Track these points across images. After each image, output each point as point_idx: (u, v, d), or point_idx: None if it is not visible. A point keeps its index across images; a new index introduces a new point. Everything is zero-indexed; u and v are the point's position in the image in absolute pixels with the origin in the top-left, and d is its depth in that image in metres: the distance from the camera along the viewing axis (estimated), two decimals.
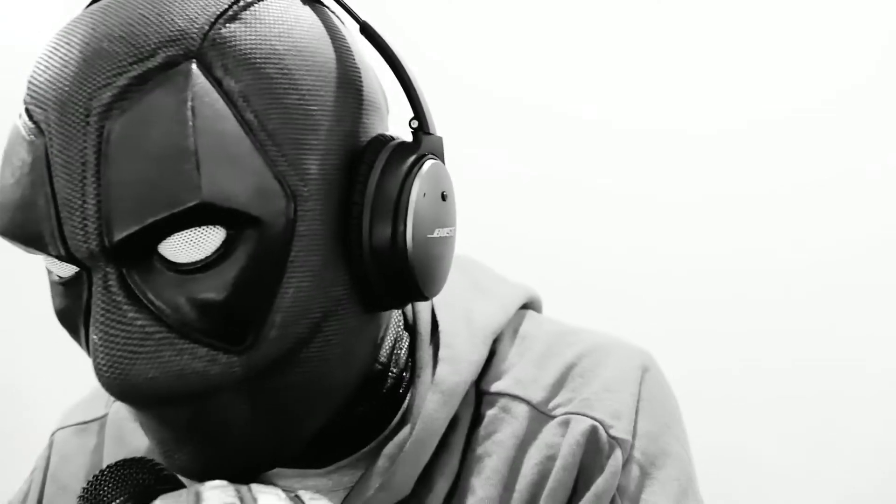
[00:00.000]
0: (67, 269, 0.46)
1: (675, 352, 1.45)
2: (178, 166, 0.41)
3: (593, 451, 0.57)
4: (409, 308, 0.61)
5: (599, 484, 0.56)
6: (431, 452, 0.56)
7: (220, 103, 0.43)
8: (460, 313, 0.60)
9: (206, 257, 0.43)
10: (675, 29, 1.53)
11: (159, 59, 0.42)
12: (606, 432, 0.57)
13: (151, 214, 0.41)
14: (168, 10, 0.44)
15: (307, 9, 0.49)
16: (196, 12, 0.44)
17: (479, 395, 0.60)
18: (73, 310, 0.47)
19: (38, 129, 0.43)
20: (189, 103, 0.42)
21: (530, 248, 1.56)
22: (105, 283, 0.43)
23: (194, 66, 0.43)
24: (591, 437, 0.57)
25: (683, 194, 1.53)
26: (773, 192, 1.49)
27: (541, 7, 1.59)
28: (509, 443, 0.58)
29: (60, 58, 0.43)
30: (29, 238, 0.44)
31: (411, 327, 0.60)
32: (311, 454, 0.57)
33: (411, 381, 0.58)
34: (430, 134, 0.51)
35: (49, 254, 0.44)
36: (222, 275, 0.43)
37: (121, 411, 0.65)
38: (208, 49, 0.43)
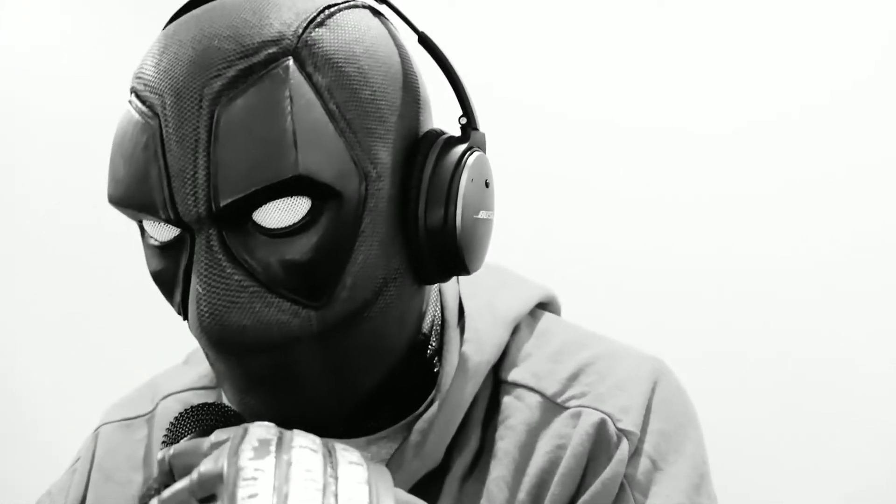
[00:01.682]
0: (168, 234, 0.54)
1: (677, 348, 1.45)
2: (279, 145, 0.49)
3: (602, 443, 0.60)
4: (440, 298, 0.67)
5: (606, 472, 0.60)
6: (458, 425, 0.62)
7: (311, 95, 0.51)
8: (484, 303, 0.66)
9: (294, 224, 0.51)
10: (679, 29, 1.54)
11: (262, 56, 0.50)
12: (615, 425, 0.61)
13: (254, 184, 0.49)
14: (267, 16, 0.52)
15: (375, 20, 0.58)
16: (291, 18, 0.52)
17: (496, 383, 0.65)
18: (170, 269, 0.54)
19: (153, 112, 0.51)
20: (288, 94, 0.50)
21: (535, 244, 1.56)
22: (208, 243, 0.51)
23: (291, 63, 0.51)
24: (601, 428, 0.61)
25: (689, 193, 1.53)
26: (779, 190, 1.49)
27: (547, 10, 1.59)
28: (521, 428, 0.62)
29: (174, 53, 0.51)
30: (142, 205, 0.51)
31: (441, 315, 0.66)
32: (355, 423, 0.62)
33: (440, 362, 0.64)
34: (476, 130, 0.60)
35: (159, 218, 0.51)
36: (306, 239, 0.51)
37: (170, 408, 0.71)
38: (301, 49, 0.52)
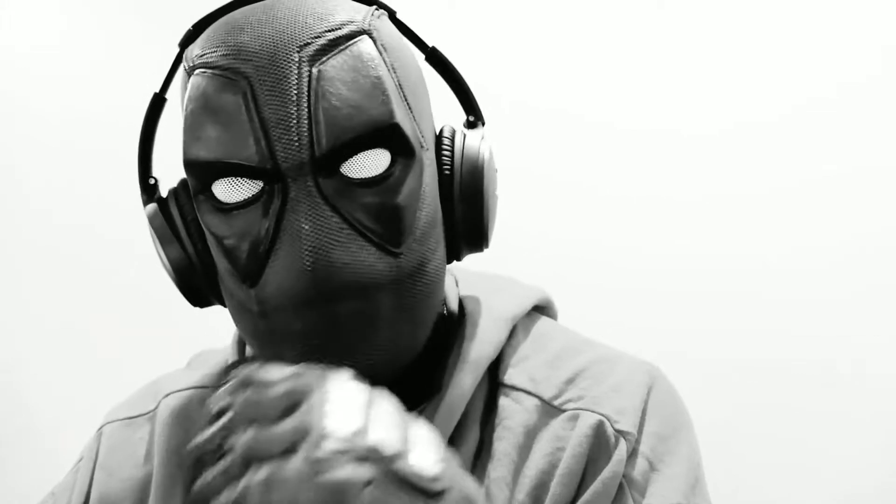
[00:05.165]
0: (245, 192, 0.57)
1: (676, 349, 1.45)
2: (377, 97, 0.56)
3: (601, 443, 0.62)
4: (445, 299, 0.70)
5: (605, 472, 0.61)
6: (459, 416, 0.64)
7: (385, 67, 0.58)
8: (483, 303, 0.69)
9: (378, 174, 0.57)
10: (677, 31, 1.54)
11: (345, 31, 0.57)
12: (612, 426, 0.63)
13: (356, 130, 0.55)
14: (333, 7, 0.59)
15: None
16: (355, 10, 0.60)
17: (494, 385, 0.67)
18: (252, 226, 0.57)
19: (237, 72, 0.55)
20: (374, 59, 0.57)
21: (531, 244, 1.56)
22: (307, 189, 0.55)
23: (368, 38, 0.58)
24: (599, 430, 0.62)
25: (689, 194, 1.53)
26: (775, 191, 1.49)
27: (546, 12, 1.59)
28: (519, 430, 0.64)
29: (254, 30, 0.56)
30: (237, 156, 0.55)
31: (447, 317, 0.69)
32: None
33: (442, 357, 0.67)
34: (484, 125, 0.68)
35: (254, 167, 0.55)
36: (389, 189, 0.57)
37: (171, 406, 0.73)
38: (373, 31, 0.59)
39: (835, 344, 1.47)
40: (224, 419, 0.47)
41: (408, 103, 0.60)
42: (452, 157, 0.63)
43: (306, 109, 0.55)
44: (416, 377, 0.65)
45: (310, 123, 0.55)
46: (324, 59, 0.56)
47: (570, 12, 1.58)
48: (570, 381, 0.65)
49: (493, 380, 0.67)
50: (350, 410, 0.46)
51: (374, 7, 0.61)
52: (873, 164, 1.46)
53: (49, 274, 1.90)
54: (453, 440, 0.64)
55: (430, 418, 0.63)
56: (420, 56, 0.67)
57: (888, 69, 1.45)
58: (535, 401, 0.65)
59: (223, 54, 0.56)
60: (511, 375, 0.66)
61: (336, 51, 0.56)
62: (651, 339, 1.27)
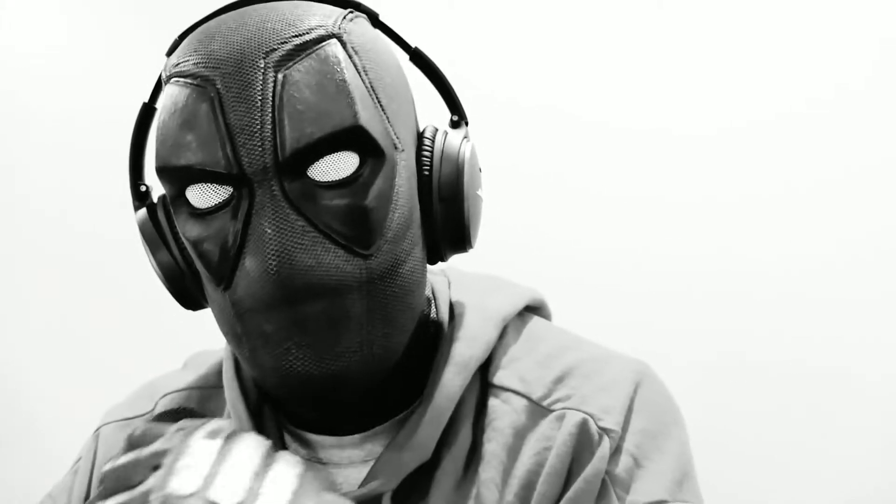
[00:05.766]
0: (215, 198, 0.58)
1: (676, 351, 1.45)
2: (341, 100, 0.56)
3: (584, 441, 0.63)
4: (433, 300, 0.70)
5: (588, 469, 0.62)
6: (448, 418, 0.64)
7: (354, 70, 0.58)
8: (474, 303, 0.69)
9: (346, 177, 0.57)
10: (677, 31, 1.54)
11: (313, 35, 0.58)
12: (596, 424, 0.63)
13: (318, 133, 0.56)
14: (305, 11, 0.59)
15: (376, 29, 0.66)
16: (326, 13, 0.60)
17: (484, 386, 0.67)
18: (221, 231, 0.58)
19: (207, 79, 0.56)
20: (340, 63, 0.58)
21: (528, 244, 1.56)
22: (272, 193, 0.56)
23: (337, 41, 0.58)
24: (583, 428, 0.63)
25: (680, 194, 1.53)
26: (770, 192, 1.49)
27: (546, 12, 1.59)
28: (508, 431, 0.64)
29: (224, 37, 0.57)
30: (204, 163, 0.56)
31: (435, 319, 0.69)
32: (351, 418, 0.65)
33: (432, 357, 0.67)
34: (467, 124, 0.68)
35: (221, 173, 0.56)
36: (357, 191, 0.57)
37: (168, 406, 0.74)
38: (343, 34, 0.59)
39: (835, 345, 1.47)
40: (103, 484, 0.52)
41: (381, 105, 0.60)
42: (432, 157, 0.64)
43: (270, 115, 0.55)
44: (403, 380, 0.65)
45: (274, 128, 0.55)
46: (290, 64, 0.56)
47: (570, 13, 1.58)
48: (558, 381, 0.66)
49: (485, 380, 0.67)
50: (198, 469, 0.50)
51: (349, 10, 0.62)
52: (873, 164, 1.46)
53: (48, 274, 1.90)
54: (445, 442, 0.64)
55: (419, 421, 0.63)
56: (406, 58, 0.68)
57: (888, 70, 1.45)
58: (524, 401, 0.65)
59: (194, 63, 0.57)
60: (501, 376, 0.67)
61: (303, 55, 0.57)
62: (647, 340, 1.27)
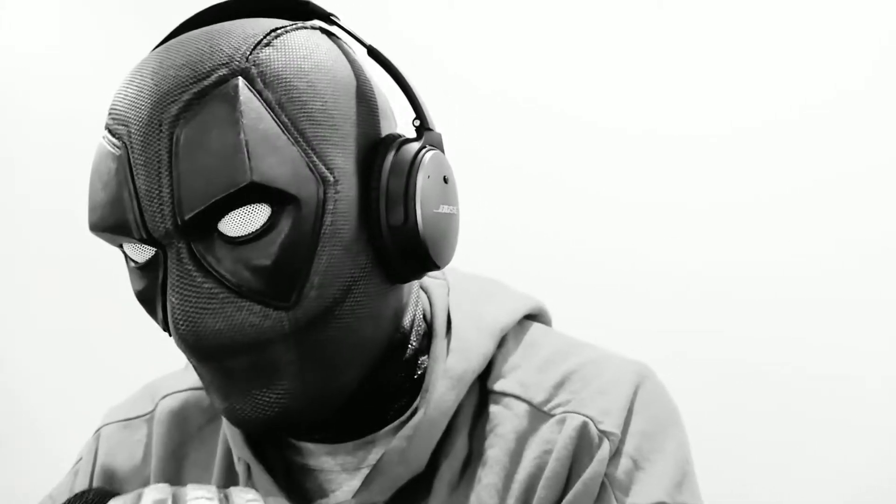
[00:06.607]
0: (145, 254, 0.57)
1: (677, 353, 1.46)
2: (233, 157, 0.53)
3: (584, 445, 0.63)
4: (429, 309, 0.69)
5: (587, 472, 0.62)
6: (442, 431, 0.63)
7: (261, 109, 0.54)
8: (471, 313, 0.68)
9: (256, 230, 0.54)
10: (678, 32, 1.53)
11: (213, 79, 0.54)
12: (596, 427, 0.63)
13: (213, 195, 0.53)
14: (218, 42, 0.56)
15: (324, 37, 0.61)
16: (239, 42, 0.56)
17: (484, 393, 0.67)
18: (150, 287, 0.58)
19: (122, 142, 0.55)
20: (239, 108, 0.53)
21: (529, 247, 1.56)
22: (178, 257, 0.54)
23: (240, 81, 0.55)
24: (583, 431, 0.63)
25: (679, 196, 1.53)
26: (770, 194, 1.49)
27: (546, 11, 1.59)
28: (510, 436, 0.64)
29: (136, 86, 0.56)
30: (117, 228, 0.55)
31: (431, 328, 0.68)
32: (342, 426, 0.65)
33: (427, 370, 0.66)
34: (430, 130, 0.62)
35: (132, 238, 0.55)
36: (269, 244, 0.54)
37: (169, 407, 0.74)
38: (250, 68, 0.55)
39: (835, 349, 1.47)
40: None
41: (303, 138, 0.55)
42: (380, 176, 0.58)
43: (168, 178, 0.53)
44: (397, 393, 0.65)
45: (172, 192, 0.53)
46: (187, 116, 0.53)
47: (571, 14, 1.58)
48: (559, 385, 0.66)
49: (483, 389, 0.67)
50: None
51: (273, 30, 0.58)
52: (873, 167, 1.46)
53: (49, 274, 1.90)
54: (441, 451, 0.64)
55: (412, 434, 0.63)
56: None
57: (887, 71, 1.45)
58: (526, 406, 0.65)
59: (113, 117, 0.56)
60: (501, 384, 0.67)
61: (199, 106, 0.54)
62: (646, 342, 1.27)
